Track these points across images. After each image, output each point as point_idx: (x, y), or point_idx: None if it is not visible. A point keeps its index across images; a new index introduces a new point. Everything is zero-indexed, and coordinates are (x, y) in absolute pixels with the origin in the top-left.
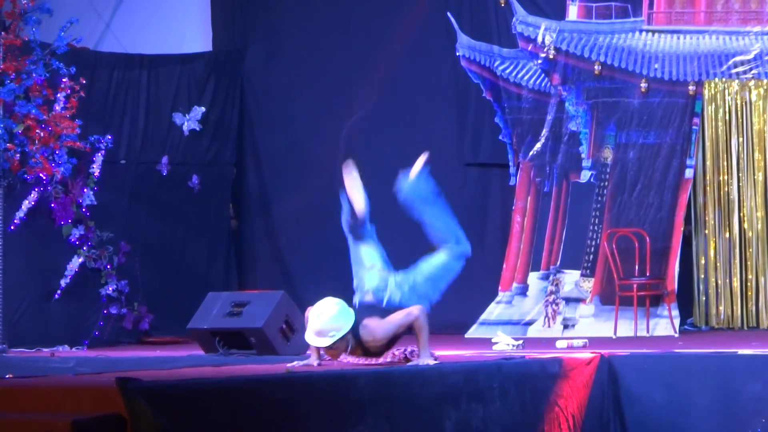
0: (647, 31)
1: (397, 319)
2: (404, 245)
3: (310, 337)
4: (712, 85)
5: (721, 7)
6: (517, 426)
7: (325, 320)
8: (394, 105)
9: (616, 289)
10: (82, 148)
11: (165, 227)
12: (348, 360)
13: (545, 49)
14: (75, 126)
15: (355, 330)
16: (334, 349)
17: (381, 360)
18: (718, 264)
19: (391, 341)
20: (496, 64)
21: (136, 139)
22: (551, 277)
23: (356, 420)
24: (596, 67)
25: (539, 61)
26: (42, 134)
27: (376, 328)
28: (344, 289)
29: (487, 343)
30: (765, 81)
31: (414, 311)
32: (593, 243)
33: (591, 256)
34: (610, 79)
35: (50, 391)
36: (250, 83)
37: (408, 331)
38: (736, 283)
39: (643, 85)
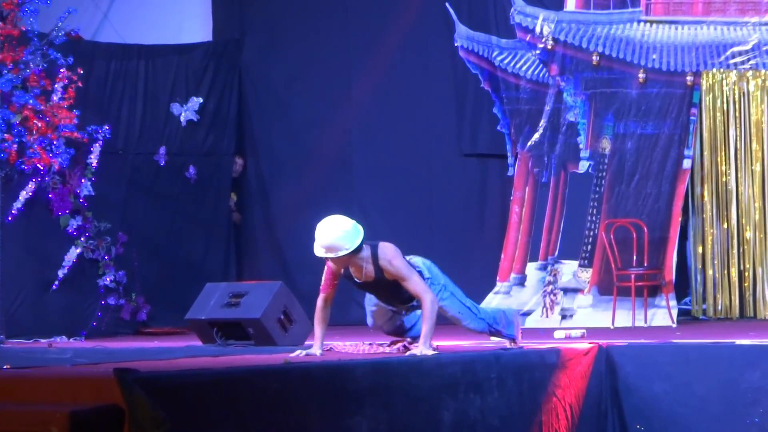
0: (645, 21)
1: (416, 278)
2: (403, 234)
3: (319, 251)
4: (710, 75)
5: None
6: (515, 416)
7: (341, 235)
8: (393, 95)
9: (614, 279)
10: (79, 138)
11: (162, 218)
12: (353, 271)
13: (543, 40)
14: (73, 116)
15: (373, 247)
16: (347, 260)
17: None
18: (716, 254)
19: (398, 286)
20: (494, 55)
21: (134, 129)
22: (549, 268)
23: (354, 410)
24: (594, 57)
25: (537, 52)
26: (39, 125)
27: (396, 255)
28: (342, 281)
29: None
30: (763, 71)
31: (432, 296)
32: (591, 233)
33: (589, 247)
34: (608, 69)
35: (48, 382)
36: (248, 74)
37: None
38: (734, 274)
39: (641, 75)
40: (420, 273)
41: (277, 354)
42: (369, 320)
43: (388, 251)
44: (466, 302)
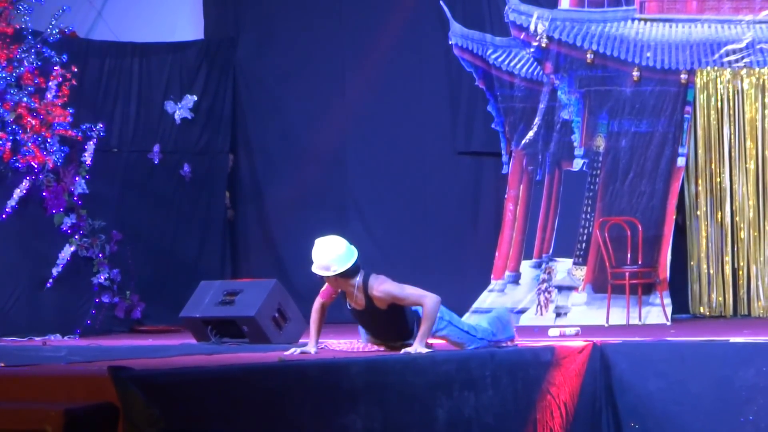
0: (639, 19)
1: (410, 289)
2: (397, 232)
3: (314, 267)
4: (704, 73)
5: None
6: (509, 414)
7: (332, 257)
8: (387, 93)
9: (609, 277)
10: (73, 136)
11: (157, 216)
12: (347, 295)
13: (538, 38)
14: (67, 114)
15: (366, 276)
16: (336, 282)
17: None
18: (710, 252)
19: (393, 306)
20: (488, 53)
21: (128, 127)
22: (543, 266)
23: (349, 408)
24: (588, 55)
25: (532, 50)
26: (34, 122)
27: (386, 281)
28: None
29: None
30: (757, 69)
31: (431, 298)
32: (585, 231)
33: (583, 245)
34: (603, 67)
35: (42, 380)
36: (242, 71)
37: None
38: (728, 272)
39: (636, 73)
40: None
41: (271, 352)
42: (362, 337)
43: (378, 278)
44: (463, 327)
